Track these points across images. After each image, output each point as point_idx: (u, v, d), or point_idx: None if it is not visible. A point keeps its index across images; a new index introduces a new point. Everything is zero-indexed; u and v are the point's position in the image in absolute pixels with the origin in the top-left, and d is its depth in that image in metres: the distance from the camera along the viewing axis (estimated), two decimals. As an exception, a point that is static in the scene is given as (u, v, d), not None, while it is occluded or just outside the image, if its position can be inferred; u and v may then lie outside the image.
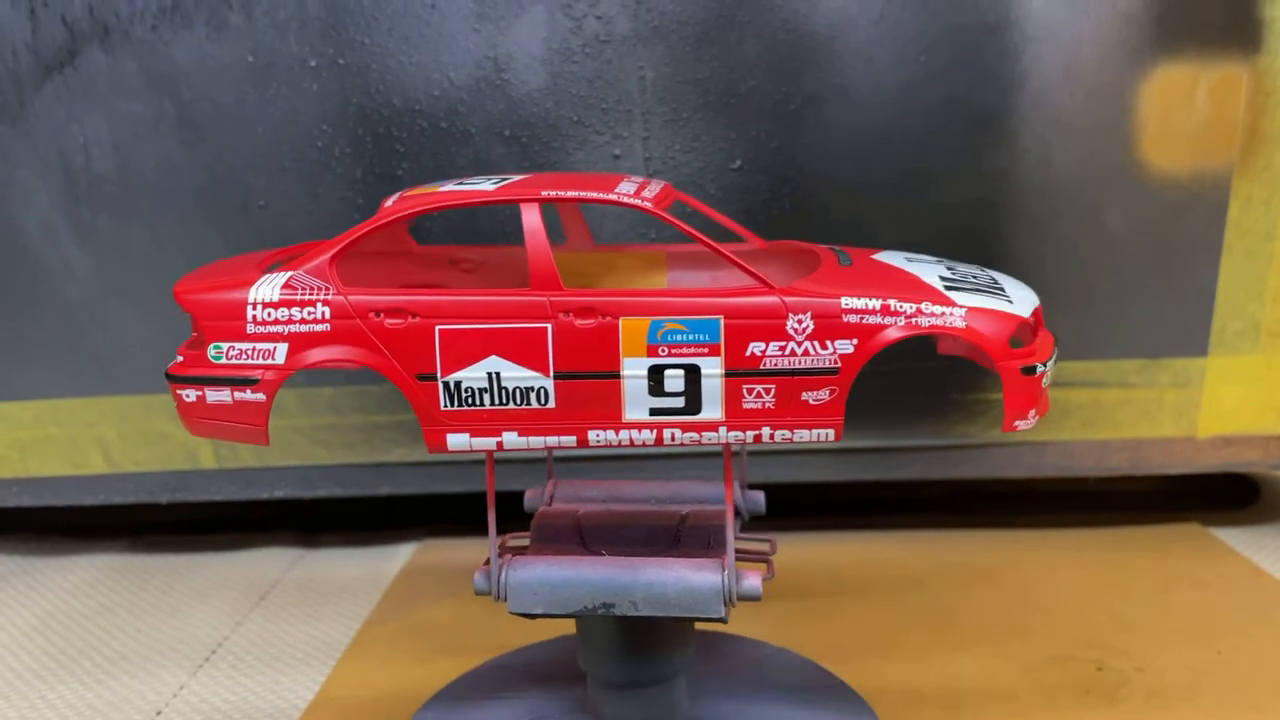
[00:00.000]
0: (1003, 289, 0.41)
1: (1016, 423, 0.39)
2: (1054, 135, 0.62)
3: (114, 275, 0.66)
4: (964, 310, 0.38)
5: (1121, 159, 0.63)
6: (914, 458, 0.69)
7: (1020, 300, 0.40)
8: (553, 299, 0.38)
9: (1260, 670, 0.52)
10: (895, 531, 0.71)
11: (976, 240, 0.64)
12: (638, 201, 0.40)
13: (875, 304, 0.38)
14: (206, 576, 0.69)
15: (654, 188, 0.43)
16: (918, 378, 0.66)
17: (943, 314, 0.38)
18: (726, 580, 0.39)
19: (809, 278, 0.40)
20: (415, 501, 0.72)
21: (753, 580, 0.40)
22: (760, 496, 0.49)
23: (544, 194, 0.40)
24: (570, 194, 0.40)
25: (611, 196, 0.40)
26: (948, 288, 0.39)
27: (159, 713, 0.53)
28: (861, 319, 0.38)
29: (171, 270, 0.66)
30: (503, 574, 0.41)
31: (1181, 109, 0.62)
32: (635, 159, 0.63)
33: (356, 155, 0.63)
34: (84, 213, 0.65)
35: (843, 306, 0.38)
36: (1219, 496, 0.75)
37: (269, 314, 0.39)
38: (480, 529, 0.44)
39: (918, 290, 0.39)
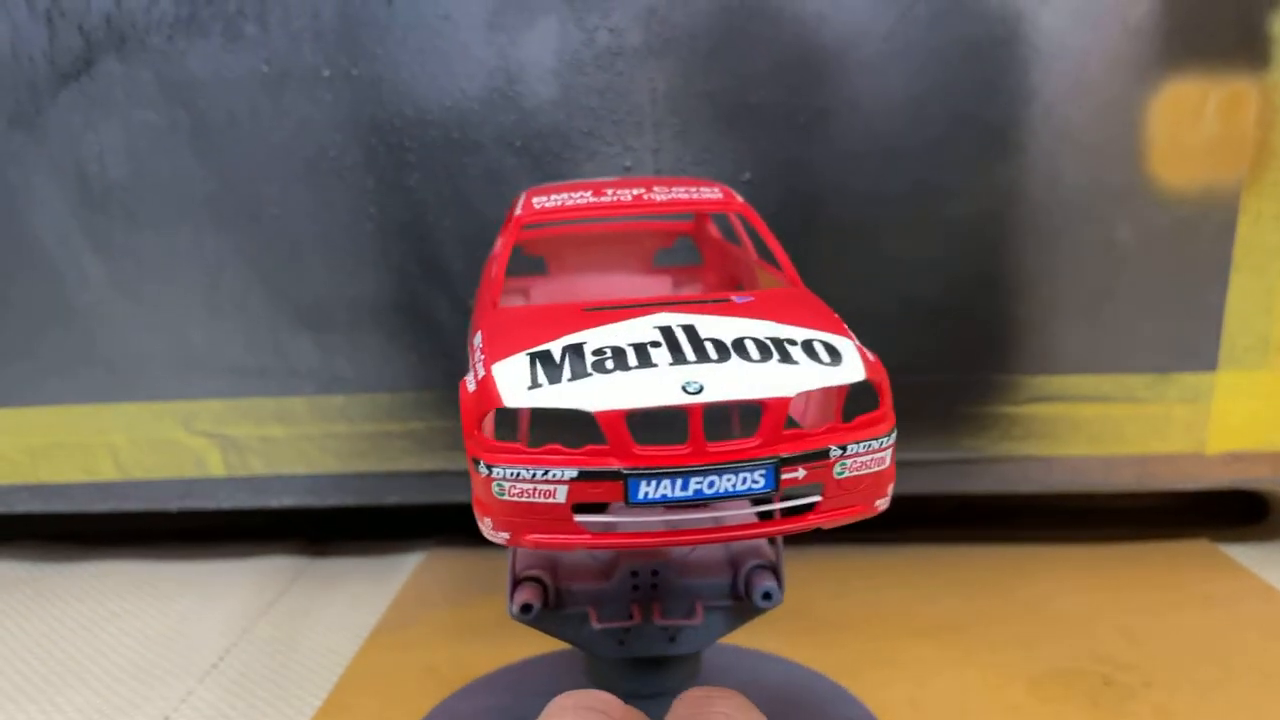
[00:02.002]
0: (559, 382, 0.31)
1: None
2: (1063, 149, 0.62)
3: (126, 282, 0.67)
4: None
5: (1130, 174, 0.63)
6: (921, 471, 0.68)
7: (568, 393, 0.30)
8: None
9: (1269, 686, 0.52)
10: (902, 545, 0.71)
11: (985, 253, 0.64)
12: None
13: (477, 343, 0.34)
14: (215, 584, 0.70)
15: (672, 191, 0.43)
16: (925, 391, 0.66)
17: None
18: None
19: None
20: (423, 511, 0.72)
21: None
22: (763, 585, 0.40)
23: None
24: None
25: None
26: (535, 357, 0.32)
27: (167, 717, 0.53)
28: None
29: (184, 278, 0.67)
30: None
31: (1190, 124, 0.62)
32: (646, 170, 0.63)
33: (369, 165, 0.64)
34: (98, 220, 0.66)
35: (473, 341, 0.35)
36: (1228, 513, 0.75)
37: None
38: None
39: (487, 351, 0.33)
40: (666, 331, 0.33)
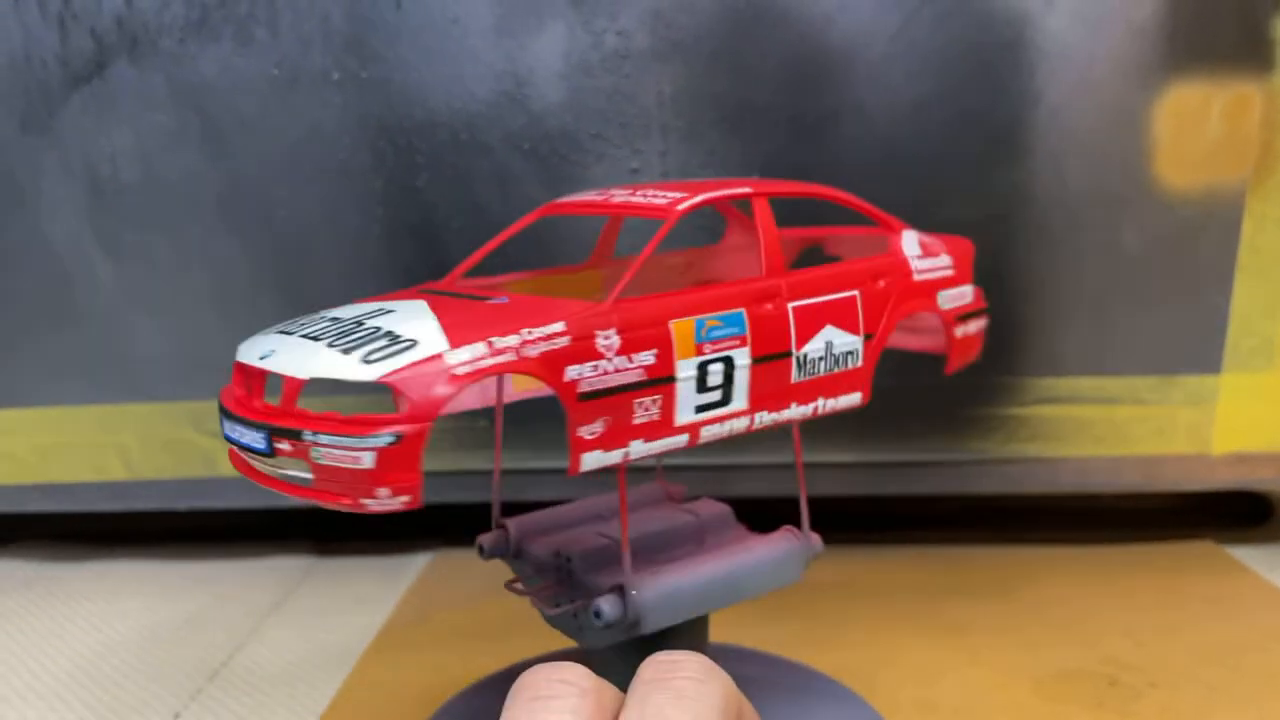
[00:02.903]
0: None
1: None
2: (1068, 152, 0.63)
3: (137, 284, 0.67)
4: None
5: (1136, 176, 0.63)
6: (928, 473, 0.69)
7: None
8: None
9: (1274, 687, 0.52)
10: (909, 546, 0.71)
11: (990, 255, 0.64)
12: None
13: None
14: (223, 583, 0.70)
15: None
16: (931, 393, 0.66)
17: None
18: None
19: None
20: (430, 512, 0.72)
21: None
22: (594, 603, 0.39)
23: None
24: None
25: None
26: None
27: (177, 715, 0.53)
28: None
29: (194, 280, 0.67)
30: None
31: (1195, 127, 0.62)
32: (653, 173, 0.63)
33: (377, 167, 0.64)
34: (109, 222, 0.66)
35: None
36: (1233, 514, 0.75)
37: None
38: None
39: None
40: (371, 313, 0.37)
